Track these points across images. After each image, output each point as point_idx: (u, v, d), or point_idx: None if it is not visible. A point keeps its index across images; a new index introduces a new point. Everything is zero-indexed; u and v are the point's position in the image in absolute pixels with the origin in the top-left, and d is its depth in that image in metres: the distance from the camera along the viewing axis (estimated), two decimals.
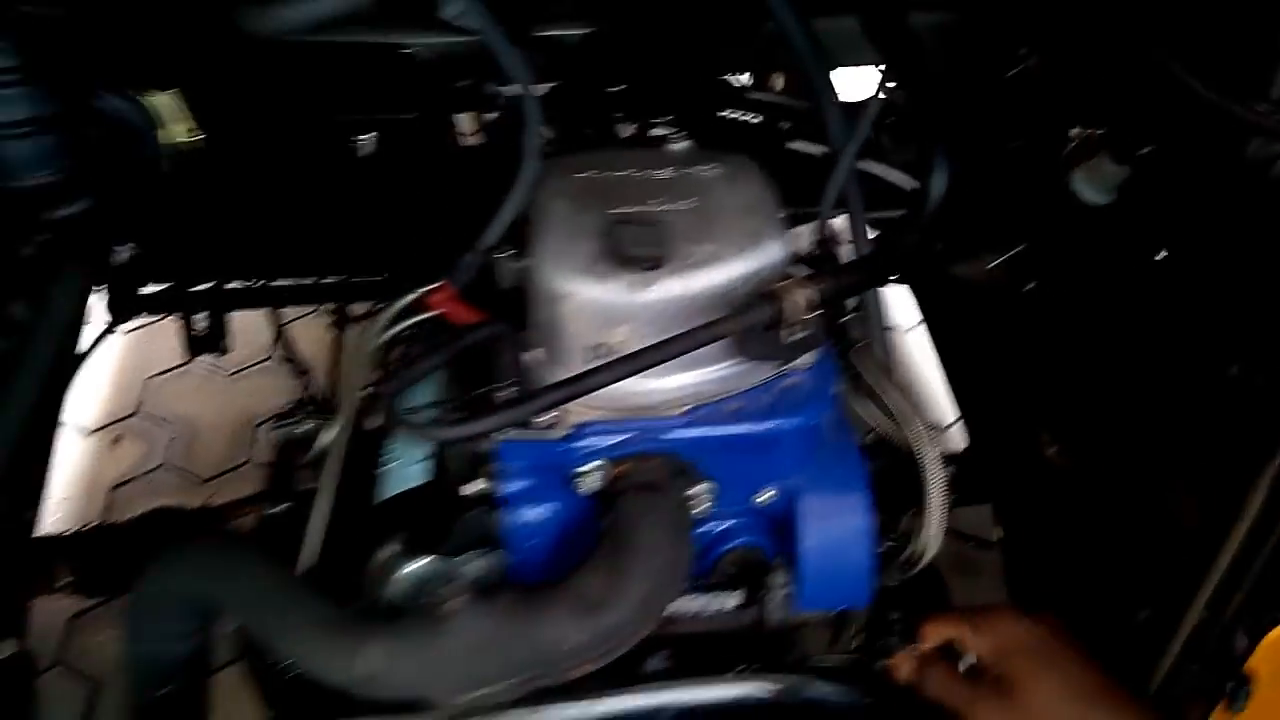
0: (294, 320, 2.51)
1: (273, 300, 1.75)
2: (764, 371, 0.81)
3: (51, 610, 1.85)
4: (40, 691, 1.74)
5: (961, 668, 0.83)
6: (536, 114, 0.75)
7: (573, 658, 0.71)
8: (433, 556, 0.82)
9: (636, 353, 0.69)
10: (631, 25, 1.07)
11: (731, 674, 0.89)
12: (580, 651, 0.71)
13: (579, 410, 0.78)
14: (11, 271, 0.90)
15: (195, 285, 1.58)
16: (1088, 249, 1.10)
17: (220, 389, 2.34)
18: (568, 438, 0.78)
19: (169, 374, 2.36)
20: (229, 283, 1.68)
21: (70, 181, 0.66)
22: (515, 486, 0.79)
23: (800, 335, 0.74)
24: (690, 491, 0.79)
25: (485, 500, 0.80)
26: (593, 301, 0.73)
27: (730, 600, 0.90)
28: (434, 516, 0.84)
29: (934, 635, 0.85)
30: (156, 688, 0.92)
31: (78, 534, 1.42)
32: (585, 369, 0.69)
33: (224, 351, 1.77)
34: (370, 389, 1.01)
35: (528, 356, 0.79)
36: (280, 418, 1.10)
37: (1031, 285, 1.27)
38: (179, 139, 0.70)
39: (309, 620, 0.73)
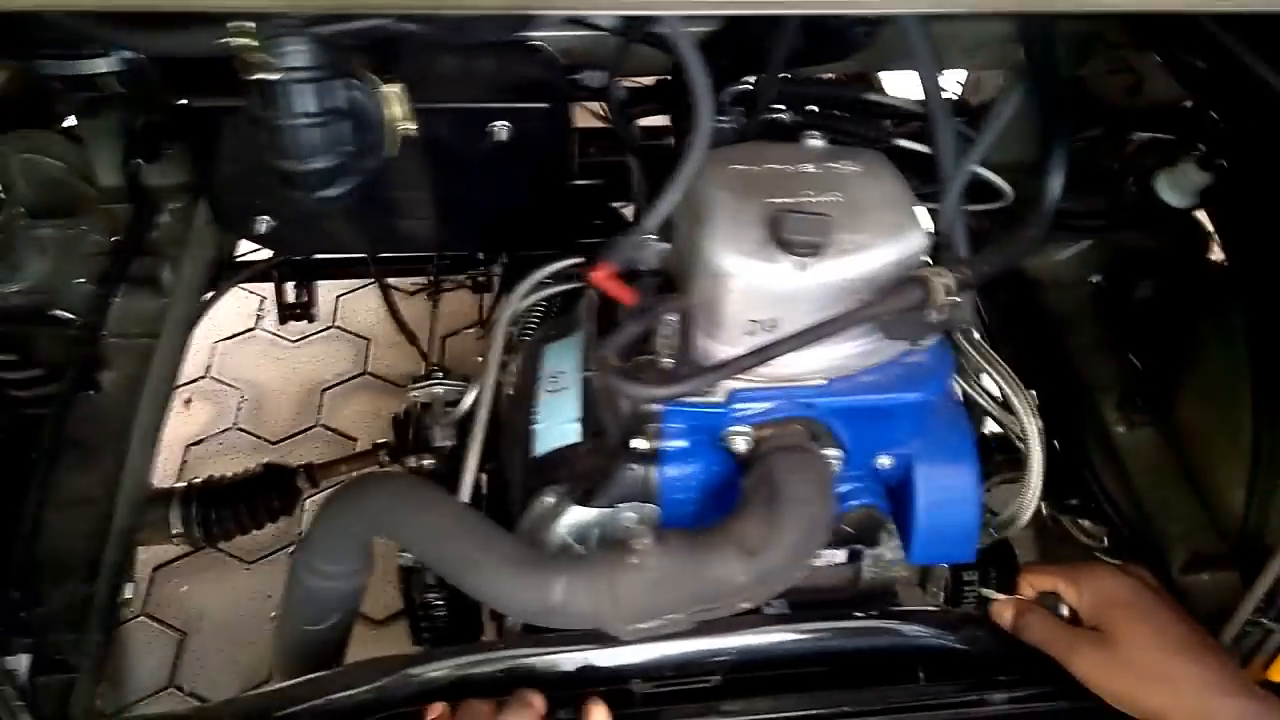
0: (349, 293, 2.62)
1: (364, 272, 1.85)
2: (896, 348, 0.90)
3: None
4: (127, 639, 1.85)
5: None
6: (708, 108, 0.83)
7: (736, 595, 0.81)
8: (593, 507, 0.92)
9: (811, 328, 0.79)
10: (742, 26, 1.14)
11: (842, 616, 0.98)
12: (742, 590, 0.81)
13: (732, 379, 0.87)
14: None
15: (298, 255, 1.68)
16: (1170, 249, 1.20)
17: (284, 356, 2.43)
18: (724, 402, 0.87)
19: (235, 339, 2.45)
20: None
21: (340, 166, 0.75)
22: (675, 445, 0.88)
23: (938, 317, 0.84)
24: (825, 453, 0.89)
25: (644, 457, 0.89)
26: (758, 282, 0.83)
27: (839, 555, 1.01)
28: (592, 471, 0.94)
29: (1032, 585, 0.94)
30: (320, 622, 1.02)
31: (189, 486, 1.53)
32: (769, 341, 0.79)
33: (312, 319, 1.87)
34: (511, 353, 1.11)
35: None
36: (416, 380, 1.19)
37: (1098, 279, 1.38)
38: (401, 128, 0.78)
39: (500, 554, 0.83)
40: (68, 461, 1.07)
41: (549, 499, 0.94)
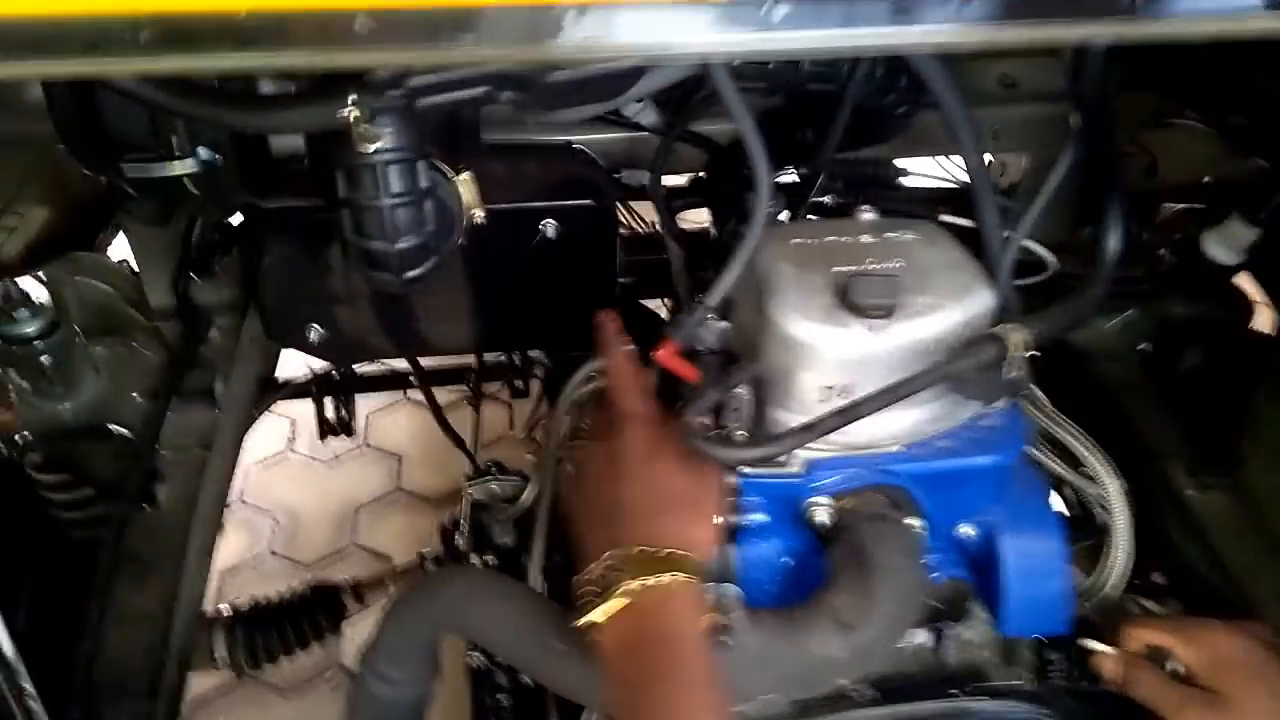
0: (379, 410, 2.62)
1: (404, 383, 1.86)
2: (970, 410, 0.89)
3: None
4: None
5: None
6: (767, 180, 0.85)
7: (833, 672, 0.78)
8: None
9: (895, 385, 0.78)
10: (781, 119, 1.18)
11: (934, 697, 0.94)
12: (840, 666, 0.78)
13: (807, 449, 0.86)
14: None
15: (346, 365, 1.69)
16: (1215, 313, 1.20)
17: (317, 477, 2.42)
18: (802, 473, 0.86)
19: (267, 463, 2.44)
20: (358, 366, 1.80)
21: (425, 246, 0.76)
22: (754, 519, 0.86)
23: (1014, 375, 0.83)
24: (909, 523, 0.87)
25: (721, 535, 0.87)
26: (831, 348, 0.82)
27: (922, 634, 0.97)
28: None
29: (1140, 639, 0.88)
30: None
31: (233, 610, 1.49)
32: (848, 404, 0.78)
33: (351, 434, 1.87)
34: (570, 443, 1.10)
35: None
36: (473, 478, 1.18)
37: (1146, 346, 1.38)
38: (473, 214, 0.80)
39: (584, 643, 0.80)
40: (125, 577, 1.05)
41: None
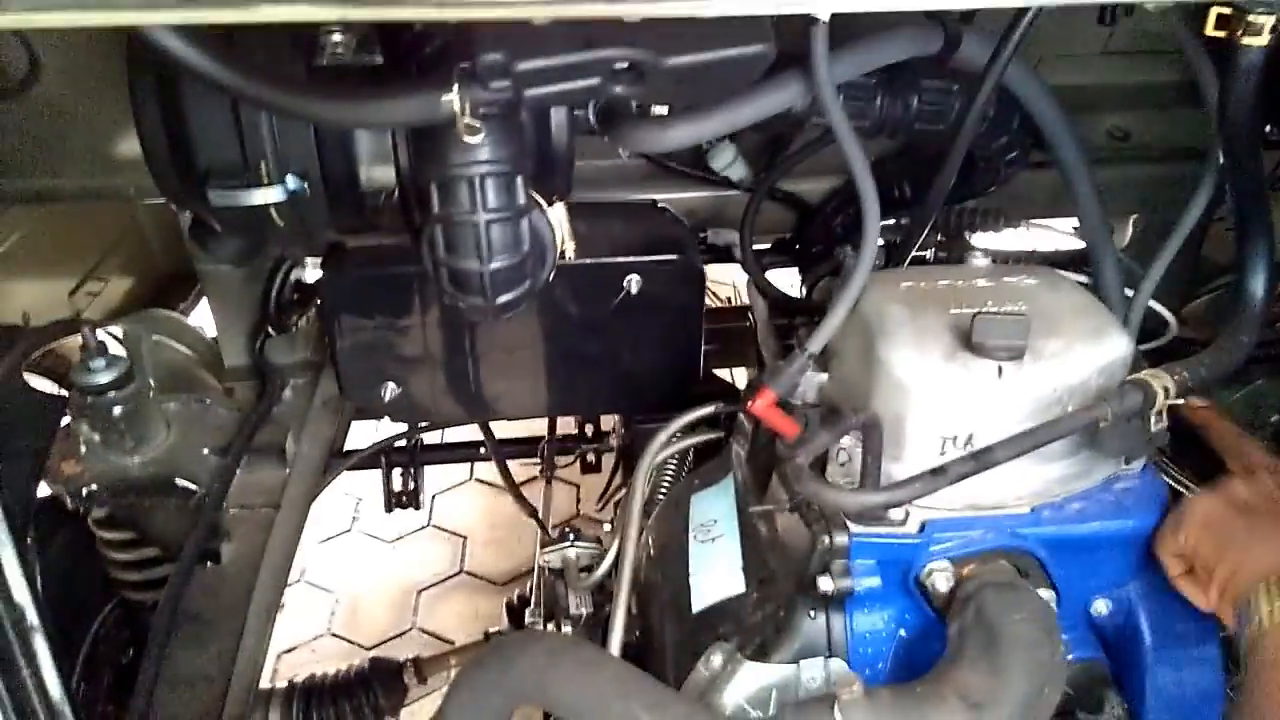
0: (445, 492, 2.57)
1: (474, 455, 1.81)
2: (1105, 470, 0.80)
3: None
4: None
5: None
6: (875, 221, 0.79)
7: None
8: (770, 664, 0.80)
9: (1026, 433, 0.70)
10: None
11: None
12: None
13: (925, 507, 0.78)
14: None
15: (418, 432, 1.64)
16: None
17: (379, 557, 2.36)
18: (919, 534, 0.77)
19: (330, 542, 2.39)
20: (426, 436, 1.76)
21: (519, 268, 0.72)
22: (866, 585, 0.78)
23: (1158, 428, 0.75)
24: (1040, 593, 0.77)
25: (828, 601, 0.79)
26: (951, 392, 0.75)
27: None
28: (763, 623, 0.83)
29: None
30: None
31: (290, 686, 1.43)
32: (979, 449, 0.70)
33: (419, 506, 1.81)
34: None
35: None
36: (546, 544, 1.11)
37: (1277, 418, 1.27)
38: (565, 252, 0.76)
39: (676, 715, 0.71)
40: (184, 636, 0.99)
41: (717, 658, 0.83)
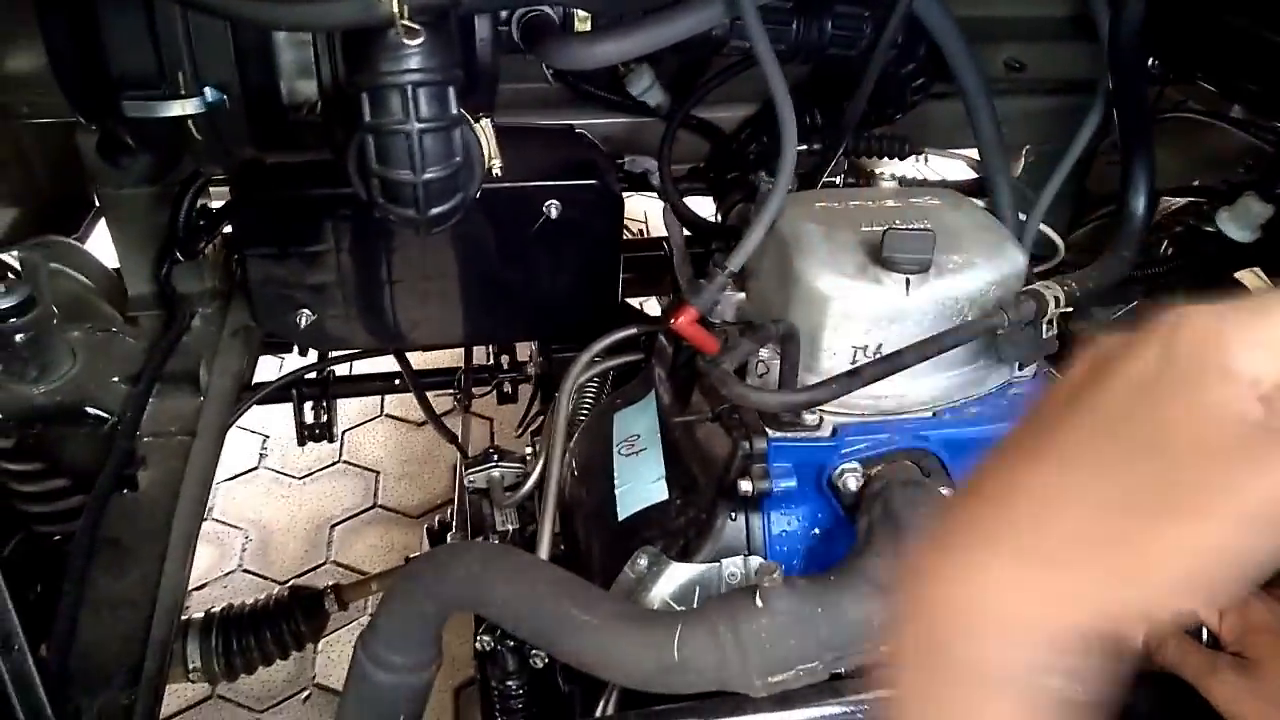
0: (356, 427, 2.55)
1: (387, 386, 1.80)
2: (1000, 376, 0.87)
3: None
4: None
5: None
6: (792, 141, 0.82)
7: (870, 637, 0.74)
8: (694, 563, 0.85)
9: (934, 337, 0.75)
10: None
11: None
12: (876, 630, 0.74)
13: (835, 413, 0.83)
14: None
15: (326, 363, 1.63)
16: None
17: (289, 493, 2.34)
18: (832, 437, 0.82)
19: (238, 479, 2.36)
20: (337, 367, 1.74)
21: (451, 179, 0.72)
22: (784, 485, 0.82)
23: (1049, 335, 0.81)
24: (940, 490, 0.84)
25: (746, 503, 0.83)
26: (863, 304, 0.80)
27: None
28: (686, 527, 0.87)
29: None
30: None
31: (207, 615, 1.42)
32: (890, 354, 0.75)
33: (332, 439, 1.80)
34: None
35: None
36: (471, 464, 1.13)
37: None
38: (493, 169, 0.76)
39: (607, 612, 0.75)
40: (103, 564, 0.98)
41: (643, 561, 0.87)
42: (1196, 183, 1.37)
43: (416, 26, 0.59)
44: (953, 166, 1.34)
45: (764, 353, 0.85)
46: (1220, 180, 1.21)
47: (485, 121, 0.75)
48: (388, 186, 0.72)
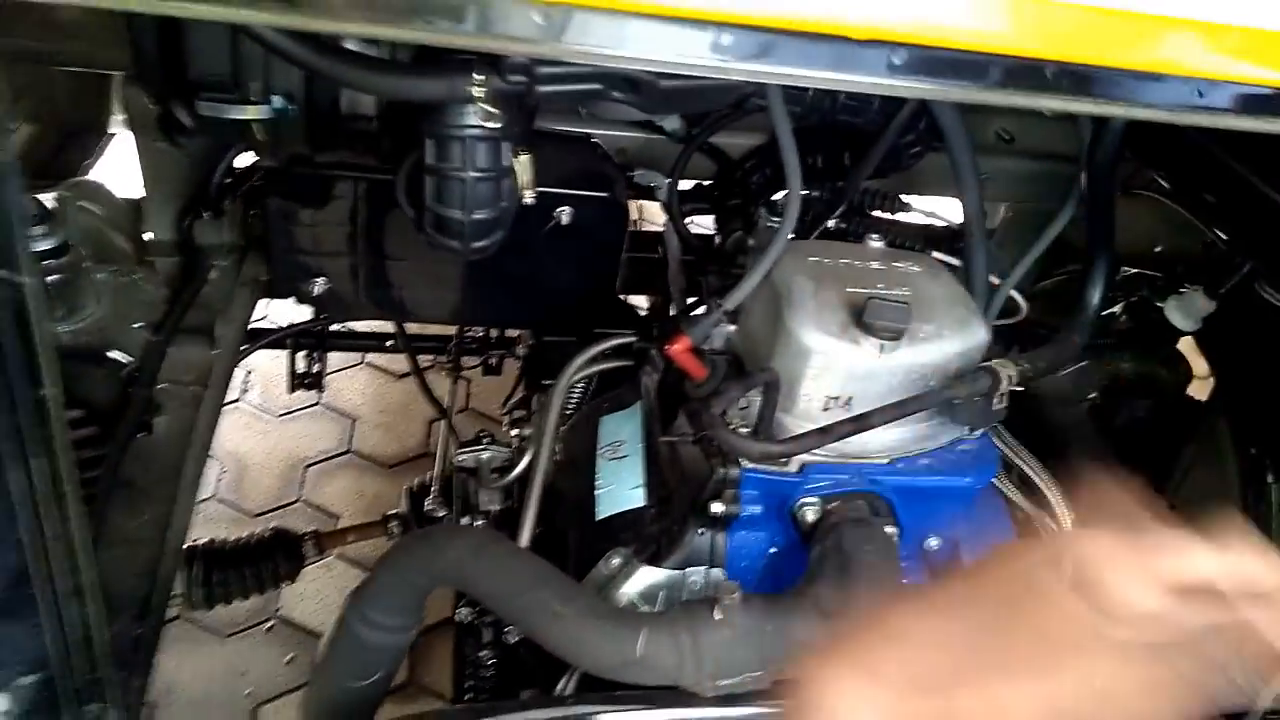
0: (338, 371, 2.62)
1: (379, 346, 1.88)
2: (952, 434, 0.97)
3: None
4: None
5: None
6: (798, 192, 0.91)
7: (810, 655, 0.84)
8: (662, 569, 0.95)
9: (902, 401, 0.85)
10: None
11: None
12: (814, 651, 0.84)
13: (806, 454, 0.93)
14: None
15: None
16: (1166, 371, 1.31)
17: (267, 430, 2.41)
18: (798, 474, 0.92)
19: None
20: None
21: (495, 220, 0.81)
22: (750, 511, 0.93)
23: (1000, 405, 0.91)
24: (887, 530, 0.94)
25: (715, 522, 0.94)
26: (841, 361, 0.90)
27: None
28: (658, 534, 0.97)
29: None
30: (365, 678, 1.02)
31: (192, 547, 1.51)
32: (861, 413, 0.85)
33: (322, 390, 1.88)
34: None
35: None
36: (465, 445, 1.22)
37: (1094, 396, 1.49)
38: (527, 198, 0.84)
39: (581, 607, 0.85)
40: (119, 501, 1.06)
41: (616, 560, 0.97)
42: (1159, 248, 1.48)
43: (496, 112, 0.67)
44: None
45: (751, 394, 0.94)
46: (1180, 255, 1.31)
47: (525, 158, 0.83)
48: (439, 220, 0.80)
